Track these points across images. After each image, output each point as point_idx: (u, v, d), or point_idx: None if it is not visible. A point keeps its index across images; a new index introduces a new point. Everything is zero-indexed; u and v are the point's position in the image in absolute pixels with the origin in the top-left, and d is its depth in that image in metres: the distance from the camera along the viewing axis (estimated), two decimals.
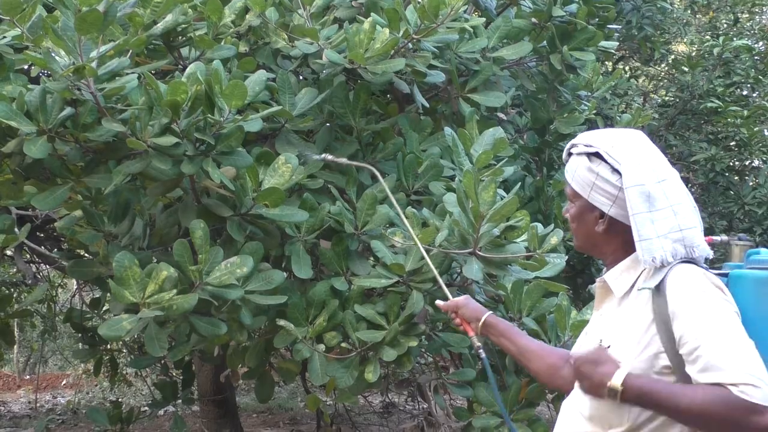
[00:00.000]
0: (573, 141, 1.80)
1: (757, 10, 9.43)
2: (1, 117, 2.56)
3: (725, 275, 1.71)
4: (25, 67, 3.26)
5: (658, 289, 1.63)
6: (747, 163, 8.62)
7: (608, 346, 1.68)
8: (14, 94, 2.69)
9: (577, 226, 1.80)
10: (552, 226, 3.34)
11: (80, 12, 2.40)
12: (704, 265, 1.70)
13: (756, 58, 8.51)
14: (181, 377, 4.88)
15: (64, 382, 10.72)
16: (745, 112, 7.94)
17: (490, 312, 2.20)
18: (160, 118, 2.60)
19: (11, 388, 10.95)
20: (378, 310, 3.01)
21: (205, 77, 2.61)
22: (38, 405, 8.83)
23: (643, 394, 1.58)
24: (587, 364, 1.66)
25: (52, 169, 2.85)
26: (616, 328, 1.71)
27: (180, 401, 4.72)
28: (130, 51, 2.74)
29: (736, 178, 8.41)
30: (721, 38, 8.01)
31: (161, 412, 6.89)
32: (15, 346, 10.44)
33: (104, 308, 4.51)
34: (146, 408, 6.25)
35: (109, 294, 2.96)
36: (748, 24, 9.50)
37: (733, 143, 8.29)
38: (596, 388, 1.62)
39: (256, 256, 2.77)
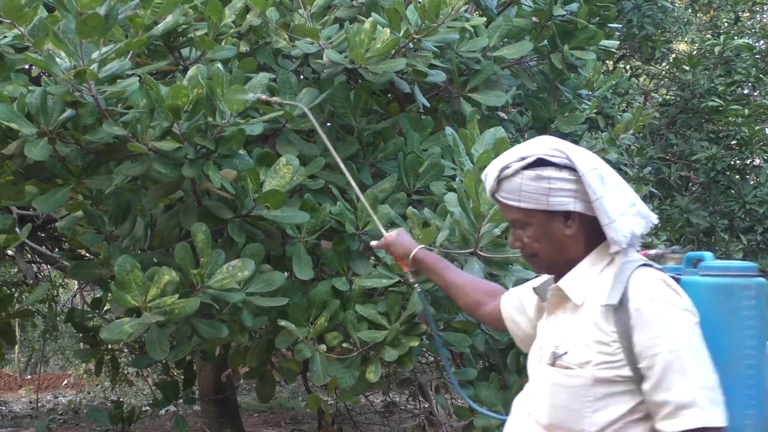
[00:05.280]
0: (496, 168, 1.71)
1: (758, 8, 9.43)
2: (2, 119, 2.56)
3: (677, 280, 1.68)
4: (26, 66, 3.25)
5: (620, 303, 1.59)
6: (748, 161, 8.63)
7: (565, 353, 1.65)
8: (15, 94, 2.69)
9: (543, 245, 1.72)
10: None
11: (81, 15, 2.40)
12: (659, 267, 1.68)
13: (757, 56, 8.51)
14: (182, 377, 4.89)
15: (65, 381, 10.74)
16: (746, 111, 7.95)
17: (421, 246, 2.28)
18: (161, 122, 2.60)
19: (12, 388, 10.97)
20: (379, 310, 3.01)
21: (206, 81, 2.60)
22: (39, 405, 8.84)
23: None
24: None
25: (53, 170, 2.85)
26: (574, 333, 1.67)
27: (181, 401, 4.73)
28: (131, 52, 2.74)
29: (737, 176, 8.43)
30: (721, 37, 8.02)
31: (162, 411, 6.92)
32: (16, 346, 10.46)
33: (105, 308, 4.51)
34: (147, 408, 6.28)
35: (110, 294, 2.96)
36: (748, 23, 9.51)
37: (734, 142, 8.31)
38: None
39: (257, 258, 2.78)
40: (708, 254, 1.74)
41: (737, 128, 8.09)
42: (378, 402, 7.81)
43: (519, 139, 4.23)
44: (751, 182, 8.38)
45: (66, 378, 10.83)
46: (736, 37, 8.10)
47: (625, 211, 1.63)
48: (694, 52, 8.74)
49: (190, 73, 2.66)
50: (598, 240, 1.71)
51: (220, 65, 2.68)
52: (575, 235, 1.69)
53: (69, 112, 2.67)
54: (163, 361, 4.70)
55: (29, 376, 11.56)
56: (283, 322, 2.91)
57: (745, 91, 8.83)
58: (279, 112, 2.96)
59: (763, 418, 1.63)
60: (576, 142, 4.30)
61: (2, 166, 2.98)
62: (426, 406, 5.77)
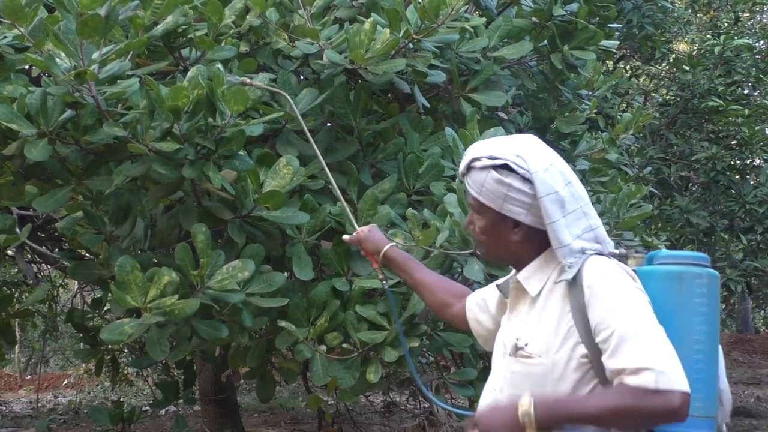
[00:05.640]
0: (471, 155, 1.78)
1: (757, 8, 9.44)
2: (2, 119, 2.56)
3: (633, 271, 1.74)
4: (26, 67, 3.25)
5: (575, 280, 1.65)
6: (748, 161, 8.64)
7: (525, 344, 1.70)
8: (15, 94, 2.69)
9: (488, 238, 1.80)
10: None
11: (82, 16, 2.40)
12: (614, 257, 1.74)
13: (757, 56, 8.53)
14: (182, 377, 4.89)
15: (65, 381, 10.74)
16: (746, 111, 7.95)
17: (392, 243, 2.30)
18: (161, 122, 2.60)
19: (13, 388, 10.98)
20: (379, 311, 3.01)
21: (206, 81, 2.60)
22: (40, 405, 8.85)
23: (556, 414, 1.58)
24: (488, 417, 1.66)
25: (53, 171, 2.85)
26: (533, 325, 1.72)
27: (181, 401, 4.73)
28: (131, 52, 2.74)
29: (737, 176, 8.44)
30: (721, 37, 8.03)
31: (163, 411, 6.92)
32: (16, 346, 10.47)
33: (105, 308, 4.51)
34: (148, 408, 6.28)
35: (110, 294, 2.96)
36: (748, 23, 9.52)
37: (734, 142, 8.32)
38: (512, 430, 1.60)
39: (257, 259, 2.78)
40: (664, 249, 1.81)
41: (737, 128, 8.10)
42: (378, 402, 7.81)
43: None
44: (751, 182, 8.39)
45: (66, 378, 10.84)
46: (736, 38, 8.11)
47: (581, 235, 1.69)
48: (694, 53, 8.75)
49: (190, 73, 2.66)
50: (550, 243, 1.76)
51: (220, 66, 2.68)
52: (521, 242, 1.76)
53: (69, 112, 2.67)
54: (163, 362, 4.70)
55: (29, 376, 11.57)
56: (283, 323, 2.91)
57: (745, 91, 8.84)
58: (279, 113, 2.96)
59: (711, 405, 1.67)
60: (576, 143, 4.30)
61: (2, 167, 2.98)
62: (426, 406, 5.78)
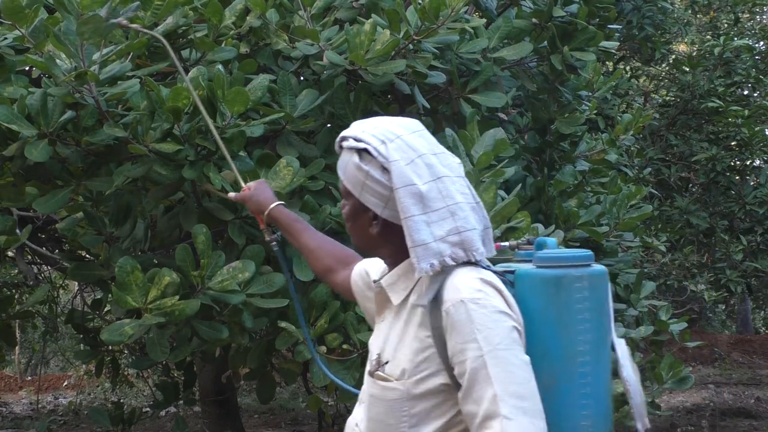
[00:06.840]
0: (344, 133, 1.61)
1: (757, 9, 9.45)
2: (3, 120, 2.57)
3: (512, 272, 1.56)
4: (27, 68, 3.26)
5: (435, 301, 1.48)
6: (748, 162, 8.65)
7: (386, 362, 1.54)
8: (15, 95, 2.70)
9: (352, 226, 1.64)
10: (553, 226, 3.34)
11: (82, 17, 2.40)
12: (485, 265, 1.56)
13: (757, 57, 8.54)
14: (182, 378, 4.89)
15: (65, 383, 10.74)
16: (746, 112, 7.97)
17: (278, 203, 2.09)
18: (161, 123, 2.61)
19: (13, 389, 10.97)
20: None
21: (207, 83, 2.60)
22: (40, 406, 8.85)
23: None
24: None
25: (53, 172, 2.86)
26: (395, 341, 1.56)
27: (181, 402, 4.73)
28: (131, 53, 2.74)
29: (737, 177, 8.45)
30: (721, 38, 8.05)
31: (163, 412, 6.93)
32: (16, 348, 10.46)
33: (106, 309, 4.51)
34: (148, 409, 6.28)
35: (110, 295, 2.97)
36: (748, 24, 9.54)
37: (734, 143, 8.33)
38: None
39: (257, 260, 2.78)
40: (551, 241, 1.60)
41: (737, 129, 8.11)
42: None
43: (519, 141, 4.24)
44: (751, 183, 8.41)
45: (66, 379, 10.83)
46: (735, 38, 8.12)
47: (445, 237, 1.50)
48: (694, 53, 8.76)
49: (190, 74, 2.66)
50: None
51: (220, 67, 2.69)
52: (379, 237, 1.60)
53: (69, 113, 2.67)
54: (164, 363, 4.69)
55: (30, 378, 11.56)
56: (283, 324, 2.91)
57: (745, 92, 8.85)
58: (279, 113, 2.96)
59: (602, 418, 1.52)
60: (576, 144, 4.30)
61: (3, 168, 2.98)
62: None
